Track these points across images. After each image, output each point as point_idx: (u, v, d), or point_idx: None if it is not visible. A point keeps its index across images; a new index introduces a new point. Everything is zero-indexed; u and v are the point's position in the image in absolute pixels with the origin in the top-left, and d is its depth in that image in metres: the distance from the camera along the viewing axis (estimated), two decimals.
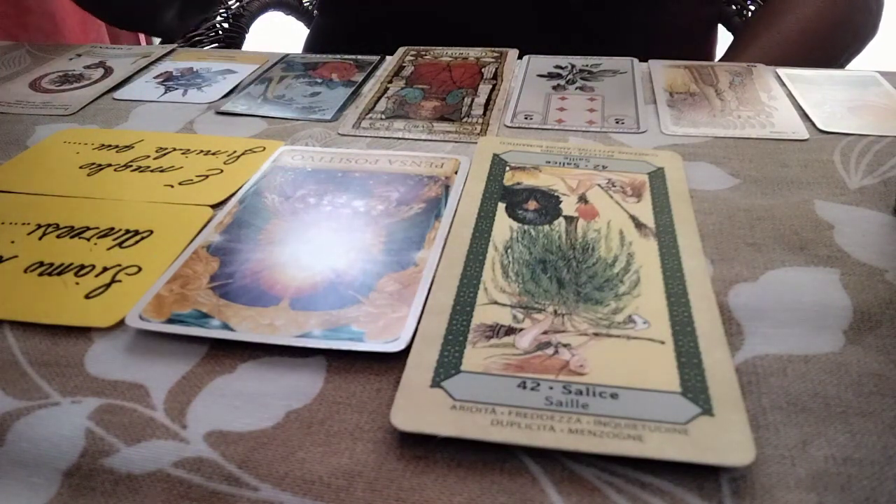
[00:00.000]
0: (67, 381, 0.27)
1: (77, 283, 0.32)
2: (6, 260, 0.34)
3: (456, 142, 0.44)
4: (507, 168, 0.39)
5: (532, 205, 0.36)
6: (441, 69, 0.55)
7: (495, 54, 0.57)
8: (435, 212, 0.36)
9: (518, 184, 0.38)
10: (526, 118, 0.47)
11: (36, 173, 0.42)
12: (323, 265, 0.32)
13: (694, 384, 0.25)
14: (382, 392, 0.26)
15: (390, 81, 0.53)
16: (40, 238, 0.35)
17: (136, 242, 0.35)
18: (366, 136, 0.45)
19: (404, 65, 0.56)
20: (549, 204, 0.36)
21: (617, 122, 0.46)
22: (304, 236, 0.34)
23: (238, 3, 0.85)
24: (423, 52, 0.58)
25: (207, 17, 0.76)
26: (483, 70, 0.54)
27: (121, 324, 0.29)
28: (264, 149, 0.43)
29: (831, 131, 0.44)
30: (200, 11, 0.75)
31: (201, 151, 0.43)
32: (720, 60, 0.66)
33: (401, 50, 0.59)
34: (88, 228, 0.36)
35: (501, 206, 0.36)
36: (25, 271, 0.33)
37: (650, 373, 0.26)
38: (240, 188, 0.39)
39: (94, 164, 0.42)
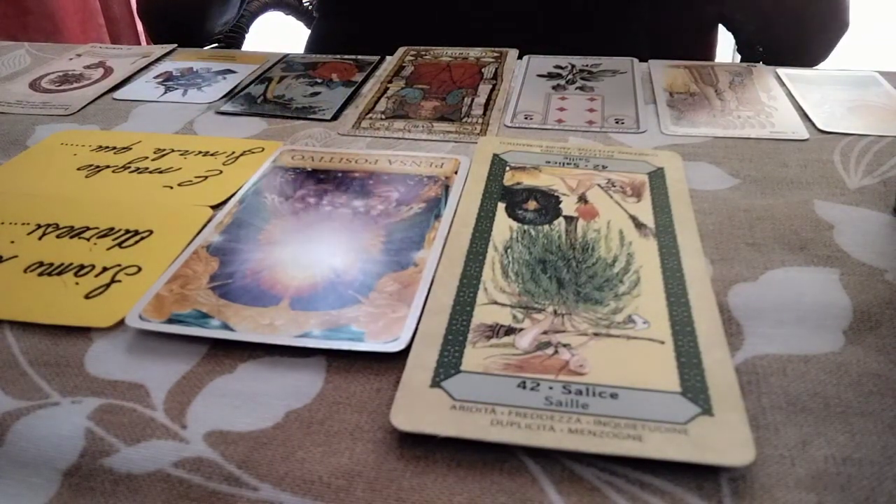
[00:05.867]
0: (67, 381, 0.27)
1: (77, 283, 0.32)
2: (6, 260, 0.34)
3: (456, 142, 0.44)
4: (507, 168, 0.39)
5: (532, 205, 0.36)
6: (441, 69, 0.55)
7: (495, 54, 0.57)
8: (435, 212, 0.36)
9: (518, 184, 0.38)
10: (526, 118, 0.47)
11: (36, 173, 0.42)
12: (323, 265, 0.32)
13: (694, 384, 0.25)
14: (382, 392, 0.26)
15: (390, 81, 0.53)
16: (40, 238, 0.35)
17: (136, 242, 0.35)
18: (366, 136, 0.45)
19: (404, 65, 0.56)
20: (548, 204, 0.36)
21: (617, 122, 0.46)
22: (304, 236, 0.34)
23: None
24: (423, 52, 0.58)
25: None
26: (483, 70, 0.54)
27: (121, 324, 0.29)
28: (263, 149, 0.43)
29: (831, 131, 0.44)
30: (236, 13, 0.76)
31: (200, 152, 0.43)
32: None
33: (401, 50, 0.59)
34: (88, 228, 0.36)
35: (501, 206, 0.36)
36: (25, 271, 0.33)
37: (650, 373, 0.26)
38: (239, 188, 0.39)
39: (91, 165, 0.42)
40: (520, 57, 0.57)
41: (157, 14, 0.72)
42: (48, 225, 0.36)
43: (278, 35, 1.09)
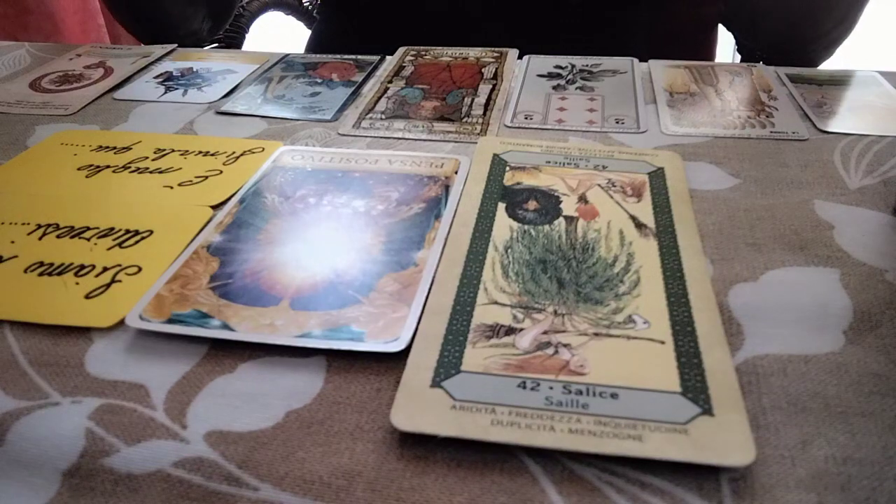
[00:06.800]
0: (67, 381, 0.27)
1: (77, 283, 0.32)
2: (6, 260, 0.34)
3: (456, 142, 0.44)
4: (507, 168, 0.39)
5: (532, 205, 0.36)
6: (441, 69, 0.55)
7: (495, 54, 0.57)
8: (435, 212, 0.36)
9: (518, 184, 0.38)
10: (526, 118, 0.47)
11: (36, 173, 0.42)
12: (323, 265, 0.32)
13: (694, 384, 0.25)
14: (382, 392, 0.26)
15: (390, 81, 0.53)
16: (40, 238, 0.35)
17: (136, 242, 0.35)
18: (366, 136, 0.45)
19: (404, 65, 0.56)
20: (549, 204, 0.36)
21: (617, 122, 0.46)
22: (304, 236, 0.34)
23: (238, 3, 0.85)
24: (423, 52, 0.58)
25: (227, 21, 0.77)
26: (483, 70, 0.54)
27: (121, 324, 0.29)
28: (263, 149, 0.43)
29: (831, 131, 0.44)
30: (226, 20, 0.76)
31: (200, 152, 0.43)
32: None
33: (401, 50, 0.59)
34: (88, 228, 0.36)
35: (501, 206, 0.36)
36: (25, 271, 0.33)
37: (650, 373, 0.26)
38: (239, 188, 0.39)
39: (92, 165, 0.42)
40: (520, 57, 0.57)
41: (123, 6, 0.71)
42: (48, 225, 0.36)
43: (278, 35, 1.09)
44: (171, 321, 0.29)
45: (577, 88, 0.51)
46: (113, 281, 0.32)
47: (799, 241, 0.33)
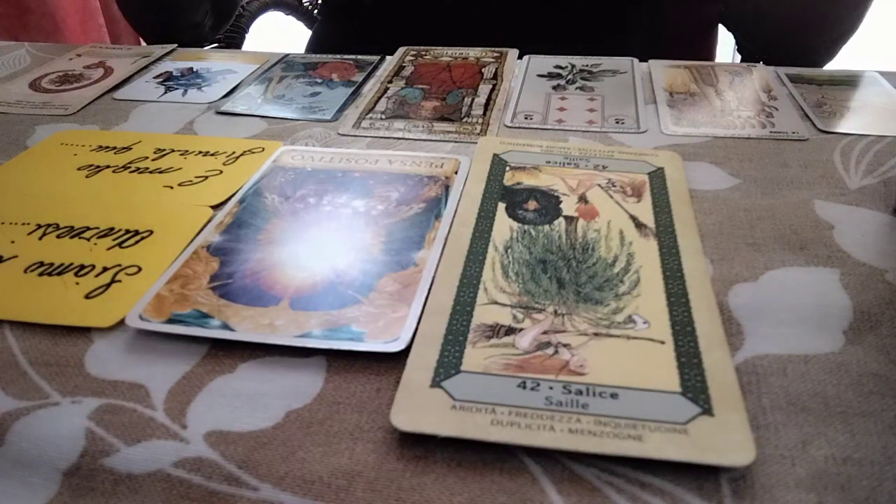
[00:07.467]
0: (67, 381, 0.27)
1: (77, 283, 0.32)
2: (6, 260, 0.34)
3: (456, 142, 0.44)
4: (507, 168, 0.39)
5: (532, 205, 0.36)
6: (441, 69, 0.55)
7: (495, 54, 0.57)
8: (435, 212, 0.36)
9: (518, 184, 0.38)
10: (526, 118, 0.47)
11: (36, 174, 0.42)
12: (323, 265, 0.32)
13: (694, 384, 0.25)
14: (382, 392, 0.26)
15: (390, 81, 0.53)
16: (40, 238, 0.35)
17: (136, 242, 0.35)
18: (366, 136, 0.45)
19: (404, 65, 0.56)
20: (549, 204, 0.36)
21: (617, 122, 0.46)
22: (304, 236, 0.34)
23: (240, 3, 0.85)
24: (423, 52, 0.58)
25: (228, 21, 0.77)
26: (483, 70, 0.54)
27: (121, 324, 0.29)
28: (263, 149, 0.43)
29: (831, 131, 0.44)
30: (228, 17, 0.76)
31: (200, 152, 0.43)
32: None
33: (401, 50, 0.59)
34: (88, 228, 0.36)
35: (501, 206, 0.36)
36: (25, 271, 0.33)
37: (650, 373, 0.26)
38: (239, 188, 0.39)
39: (92, 165, 0.42)
40: (520, 57, 0.57)
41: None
42: (48, 225, 0.36)
43: (278, 35, 1.09)
44: (170, 321, 0.29)
45: (577, 88, 0.51)
46: (113, 281, 0.32)
47: (799, 241, 0.33)
